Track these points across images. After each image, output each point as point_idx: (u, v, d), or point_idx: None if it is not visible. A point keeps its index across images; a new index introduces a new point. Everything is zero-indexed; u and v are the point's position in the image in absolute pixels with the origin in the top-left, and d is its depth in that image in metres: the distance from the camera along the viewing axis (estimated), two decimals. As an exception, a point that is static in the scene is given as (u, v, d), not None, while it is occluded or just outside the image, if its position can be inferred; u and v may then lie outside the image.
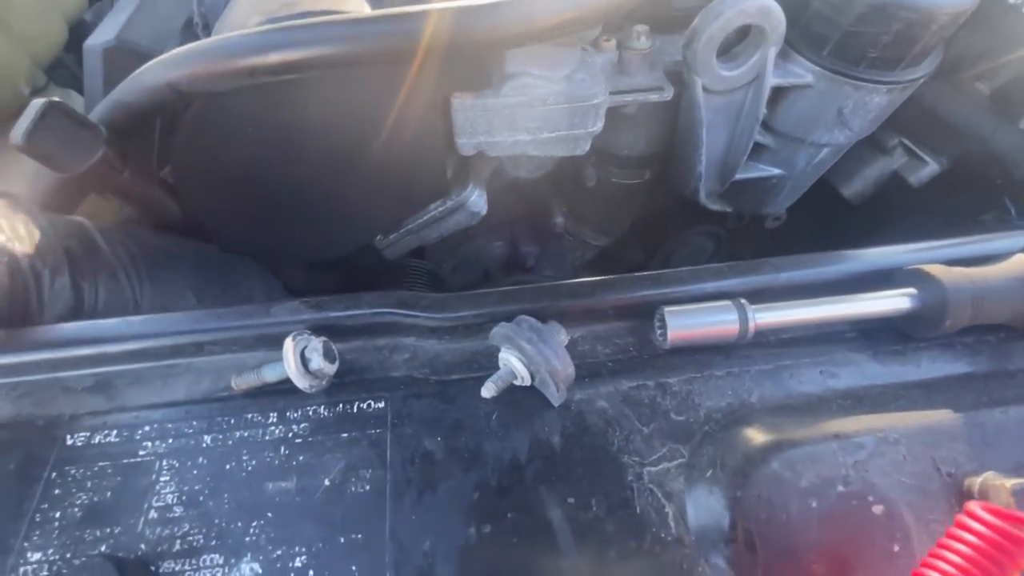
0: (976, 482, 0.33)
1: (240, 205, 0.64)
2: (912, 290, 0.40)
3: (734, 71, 0.64)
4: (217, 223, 0.65)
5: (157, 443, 0.36)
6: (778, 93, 0.69)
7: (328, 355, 0.38)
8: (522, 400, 0.38)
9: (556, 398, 0.37)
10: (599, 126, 0.65)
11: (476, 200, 0.72)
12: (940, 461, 0.34)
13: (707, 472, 0.35)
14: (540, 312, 0.41)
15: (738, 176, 0.79)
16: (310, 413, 0.37)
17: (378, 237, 0.75)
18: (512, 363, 0.37)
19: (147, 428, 0.36)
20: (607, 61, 0.65)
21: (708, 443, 0.36)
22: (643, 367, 0.40)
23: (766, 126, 0.74)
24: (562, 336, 0.39)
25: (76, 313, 0.47)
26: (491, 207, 0.95)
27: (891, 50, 0.60)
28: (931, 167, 0.81)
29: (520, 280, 1.10)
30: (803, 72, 0.65)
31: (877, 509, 0.32)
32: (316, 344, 0.37)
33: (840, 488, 0.33)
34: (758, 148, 0.76)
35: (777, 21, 0.60)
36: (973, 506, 0.29)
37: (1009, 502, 0.31)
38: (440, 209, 0.71)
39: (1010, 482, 0.31)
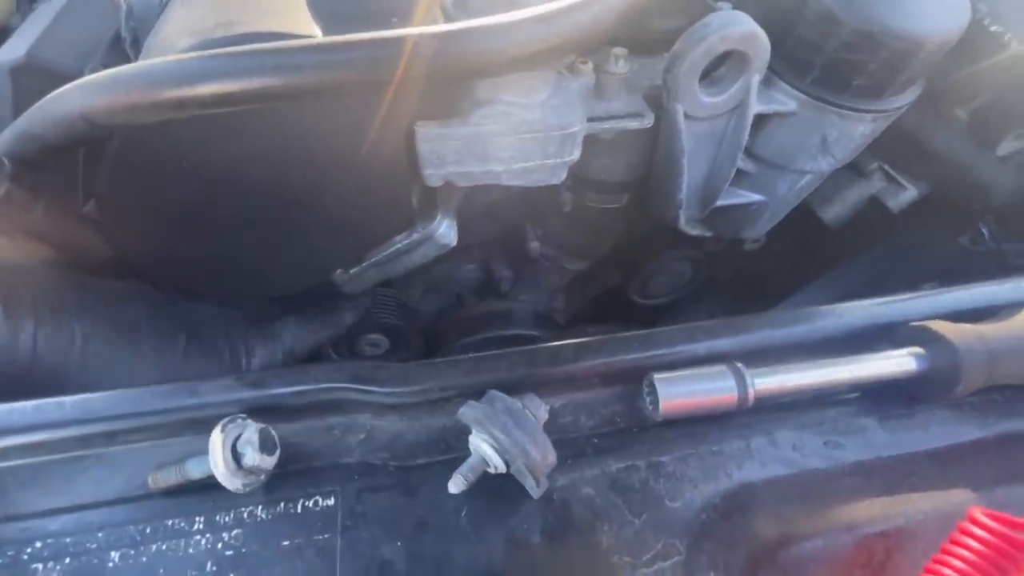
0: None
1: (178, 243, 0.57)
2: (920, 350, 0.37)
3: (716, 98, 0.61)
4: (151, 263, 0.58)
5: (51, 565, 0.29)
6: (761, 120, 0.66)
7: (265, 446, 0.32)
8: (497, 489, 0.33)
9: (535, 491, 0.32)
10: (576, 154, 0.61)
11: (445, 232, 0.66)
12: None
13: (706, 573, 0.30)
14: (517, 383, 0.36)
15: (720, 202, 0.76)
16: (244, 516, 0.32)
17: (338, 272, 0.69)
18: (484, 451, 0.32)
19: (39, 544, 0.30)
20: (584, 85, 0.60)
21: (707, 537, 0.32)
22: (632, 443, 0.36)
23: (748, 152, 0.71)
24: (541, 412, 0.34)
25: (8, 356, 0.40)
26: (463, 230, 0.90)
27: (877, 78, 0.58)
28: (910, 192, 0.79)
29: (493, 305, 1.05)
30: (787, 99, 0.62)
31: (900, 617, 0.29)
32: (251, 434, 0.31)
33: (859, 593, 0.29)
34: (739, 174, 0.73)
35: (761, 47, 0.56)
36: (976, 512, 0.28)
37: (1045, 608, 0.28)
38: (405, 242, 0.65)
39: (1044, 584, 0.28)
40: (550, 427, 0.36)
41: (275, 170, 0.51)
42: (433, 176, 0.58)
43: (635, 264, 0.98)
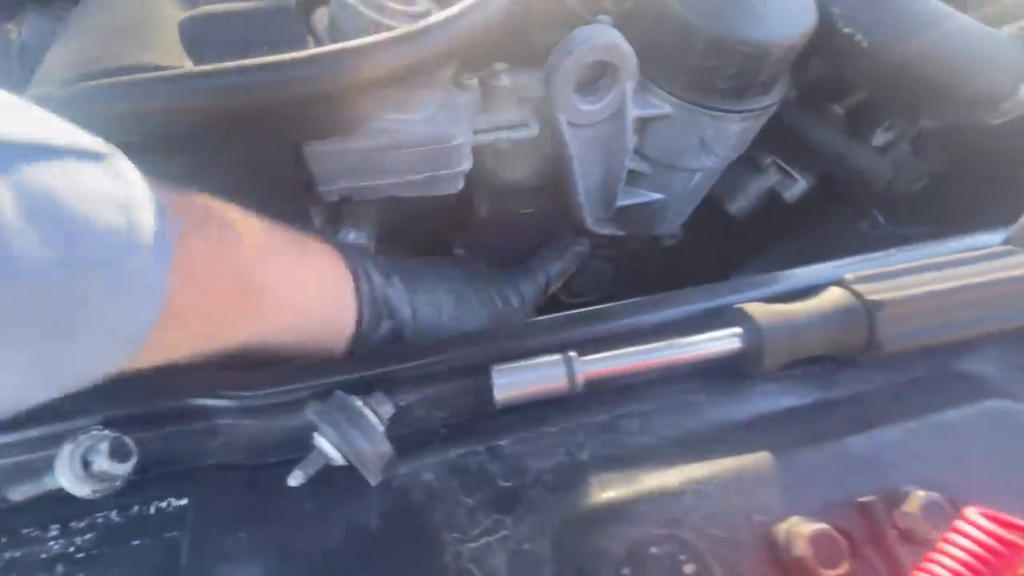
0: (782, 529, 0.33)
1: None
2: (738, 330, 0.41)
3: (594, 106, 0.65)
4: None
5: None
6: (644, 123, 0.71)
7: (118, 454, 0.34)
8: (343, 480, 0.36)
9: (372, 477, 0.35)
10: (466, 165, 0.64)
11: (353, 244, 0.69)
12: (752, 508, 0.34)
13: (525, 544, 0.33)
14: (366, 381, 0.39)
15: (621, 202, 0.80)
16: (98, 521, 0.34)
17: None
18: (322, 446, 0.35)
19: None
20: (471, 100, 0.64)
21: (532, 511, 0.35)
22: (476, 431, 0.39)
23: (639, 154, 0.75)
24: (385, 408, 0.38)
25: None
26: (392, 243, 0.93)
27: (737, 81, 0.62)
28: (801, 184, 0.85)
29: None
30: (661, 104, 0.67)
31: (688, 569, 0.32)
32: (101, 443, 0.34)
33: (653, 550, 0.32)
34: (635, 175, 0.78)
35: (626, 56, 0.61)
36: (970, 512, 0.29)
37: (806, 549, 0.31)
38: (313, 256, 0.68)
39: (808, 529, 0.32)
40: (402, 421, 0.40)
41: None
42: (328, 192, 0.61)
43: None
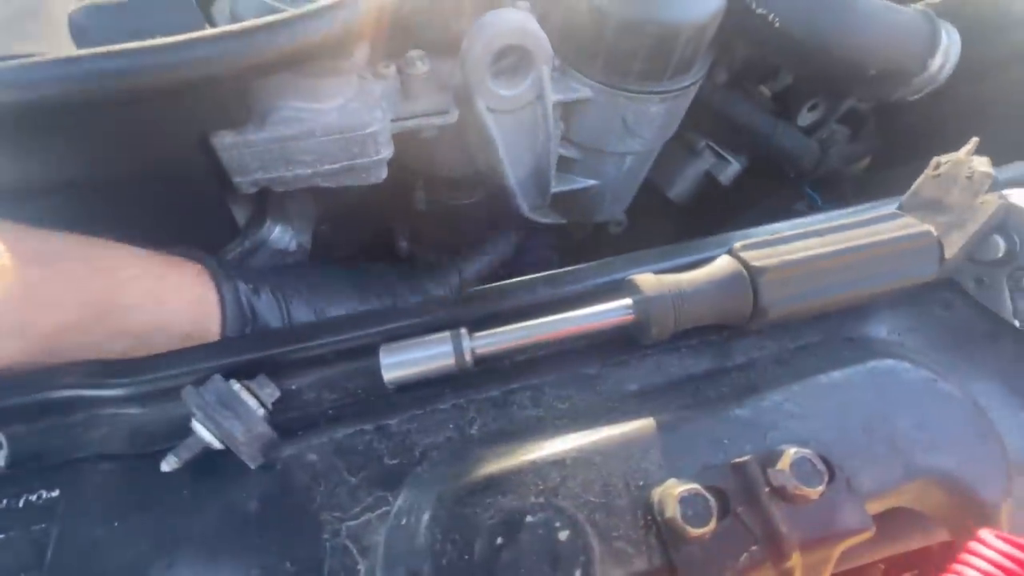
0: (657, 492, 0.33)
1: None
2: (628, 300, 0.41)
3: (513, 91, 0.65)
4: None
5: None
6: (569, 108, 0.71)
7: (-18, 447, 0.33)
8: (222, 466, 0.35)
9: (250, 460, 0.34)
10: (385, 153, 0.64)
11: (278, 237, 0.68)
12: (631, 475, 0.34)
13: (403, 520, 0.33)
14: (252, 364, 0.39)
15: (556, 189, 0.80)
16: (-37, 517, 0.33)
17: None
18: (198, 430, 0.34)
19: None
20: (388, 87, 0.64)
21: (415, 486, 0.35)
22: (366, 411, 0.39)
23: (568, 140, 0.76)
24: (267, 391, 0.37)
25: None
26: (336, 236, 0.92)
27: (652, 62, 0.63)
28: (734, 166, 0.86)
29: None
30: (581, 87, 0.67)
31: (563, 535, 0.32)
32: (-36, 438, 0.33)
33: (528, 519, 0.32)
34: (567, 161, 0.78)
35: (537, 40, 0.61)
36: (985, 533, 0.29)
37: (675, 510, 0.32)
38: (238, 250, 0.67)
39: (678, 489, 0.32)
40: (290, 404, 0.39)
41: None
42: (244, 183, 0.60)
43: (504, 261, 1.02)
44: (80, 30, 0.49)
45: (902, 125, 0.91)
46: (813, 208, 0.98)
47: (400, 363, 0.38)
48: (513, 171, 0.75)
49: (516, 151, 0.74)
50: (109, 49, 0.42)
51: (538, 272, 1.05)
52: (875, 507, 0.37)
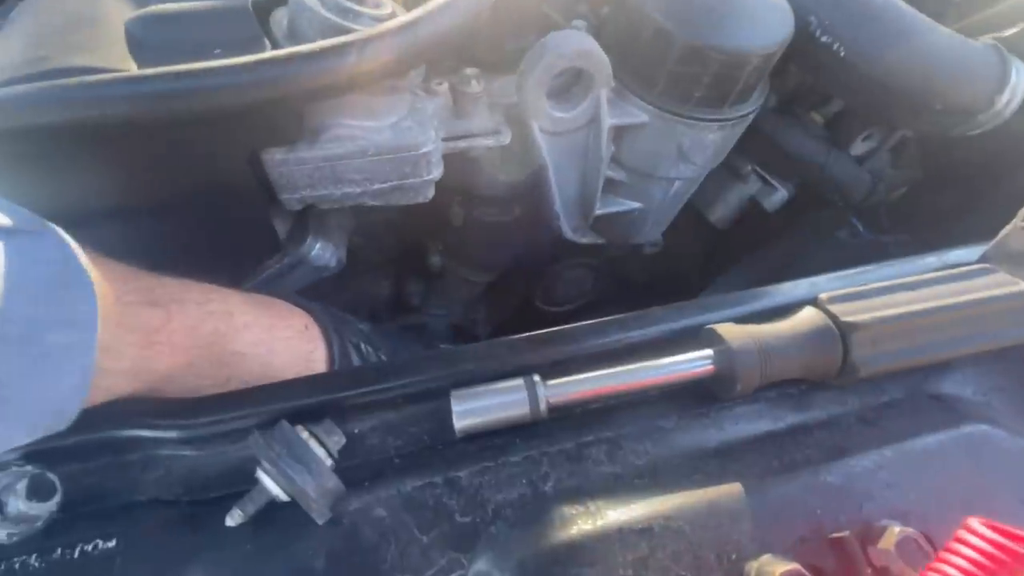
0: (753, 568, 0.31)
1: None
2: (709, 352, 0.39)
3: (568, 113, 0.63)
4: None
5: None
6: (621, 131, 0.69)
7: (39, 492, 0.31)
8: (288, 518, 0.34)
9: (318, 516, 0.33)
10: (436, 173, 0.62)
11: (318, 254, 0.66)
12: (723, 546, 0.32)
13: (482, 587, 0.31)
14: (316, 408, 0.37)
15: (599, 211, 0.78)
16: (16, 567, 0.31)
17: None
18: (265, 482, 0.32)
19: None
20: (440, 106, 0.62)
21: (491, 549, 0.33)
22: (433, 460, 0.37)
23: (617, 162, 0.74)
24: (334, 438, 0.35)
25: None
26: (368, 248, 0.90)
27: (714, 89, 0.61)
28: (781, 193, 0.84)
29: (407, 320, 1.06)
30: (638, 112, 0.65)
31: (653, 613, 0.30)
32: (18, 481, 0.31)
33: (616, 593, 0.31)
34: (614, 183, 0.76)
35: (599, 63, 0.59)
36: (972, 521, 0.28)
37: (778, 593, 0.30)
38: (277, 266, 0.66)
39: (779, 569, 0.30)
40: (354, 451, 0.37)
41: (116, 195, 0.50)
42: (290, 200, 0.58)
43: (538, 274, 1.00)
44: (137, 41, 0.47)
45: (943, 154, 0.89)
46: (855, 236, 0.96)
47: (473, 411, 0.36)
48: (560, 193, 0.73)
49: (565, 173, 0.72)
50: (177, 70, 0.40)
51: (573, 290, 1.03)
52: (974, 587, 0.35)
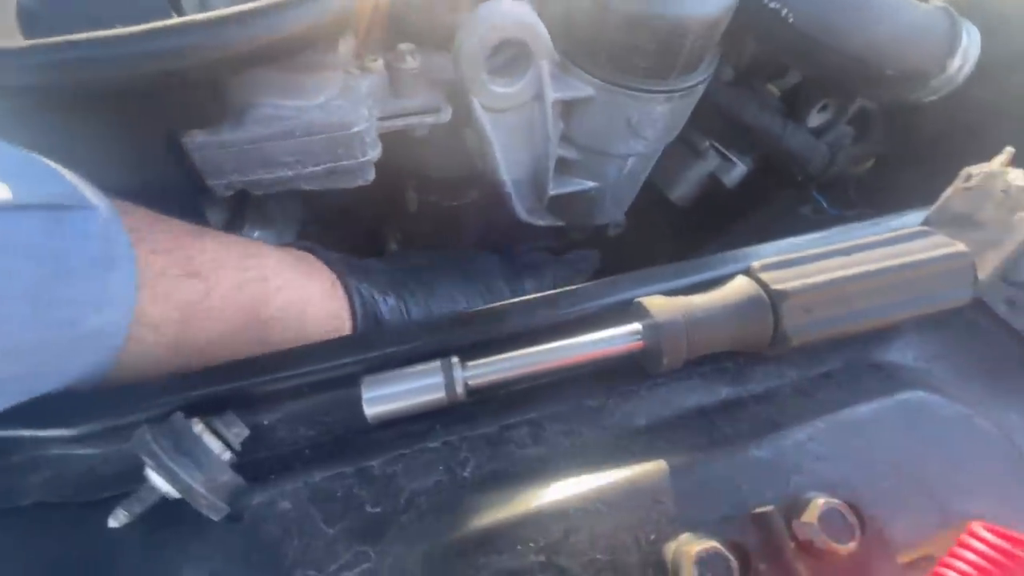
0: (671, 549, 0.30)
1: None
2: (637, 326, 0.38)
3: (510, 88, 0.61)
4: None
5: None
6: (569, 106, 0.67)
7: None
8: (181, 517, 0.31)
9: (212, 512, 0.31)
10: (372, 154, 0.59)
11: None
12: (641, 527, 0.31)
13: (386, 580, 0.30)
14: (219, 398, 0.34)
15: (554, 191, 0.76)
16: None
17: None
18: (152, 479, 0.30)
19: None
20: (375, 84, 0.59)
21: (399, 540, 0.31)
22: (346, 449, 0.35)
23: (568, 140, 0.71)
24: (235, 430, 0.33)
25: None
26: (324, 238, 0.88)
27: (658, 59, 0.59)
28: (739, 168, 0.82)
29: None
30: (583, 85, 0.63)
31: (564, 601, 0.29)
32: None
33: (525, 581, 0.29)
34: (567, 162, 0.74)
35: (537, 35, 0.57)
36: (976, 526, 0.29)
37: (691, 573, 0.28)
38: (214, 257, 0.63)
39: (695, 549, 0.29)
40: (261, 443, 0.35)
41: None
42: (218, 187, 0.56)
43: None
44: (30, 16, 0.44)
45: (909, 126, 0.88)
46: (819, 212, 0.95)
47: (385, 397, 0.34)
48: (509, 173, 0.71)
49: (513, 152, 0.69)
50: (59, 40, 0.37)
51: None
52: (905, 558, 0.34)
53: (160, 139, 0.49)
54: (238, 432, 0.33)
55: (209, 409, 0.34)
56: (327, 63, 0.55)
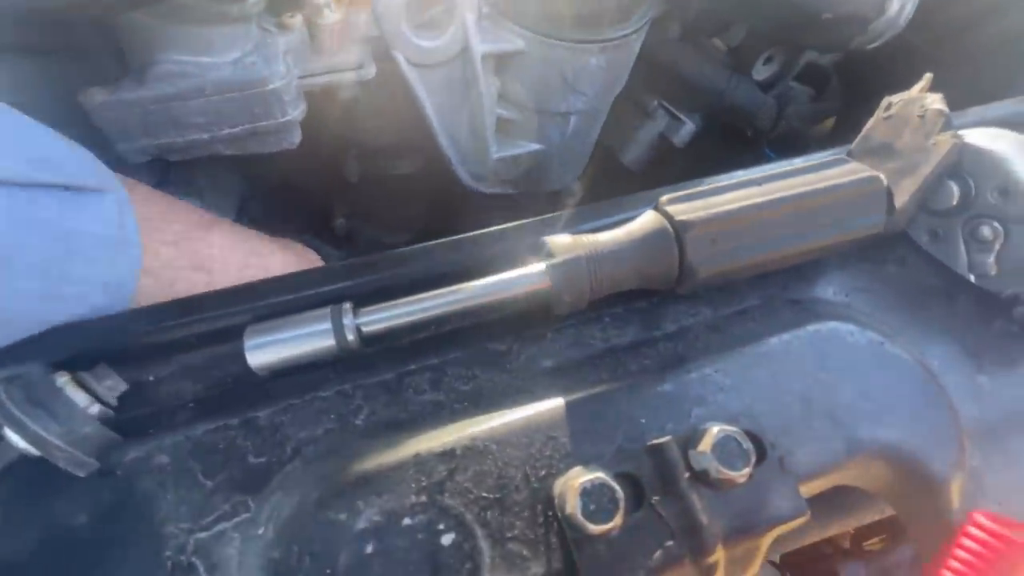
0: (559, 484, 0.29)
1: None
2: (541, 266, 0.36)
3: (434, 42, 0.59)
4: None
5: None
6: (501, 61, 0.65)
7: None
8: (49, 473, 0.30)
9: (76, 468, 0.29)
10: (293, 113, 0.57)
11: (183, 213, 0.62)
12: (532, 464, 0.29)
13: (260, 529, 0.28)
14: (95, 352, 0.33)
15: (497, 154, 0.74)
16: None
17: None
18: (8, 435, 0.29)
19: None
20: (295, 40, 0.57)
21: (282, 488, 0.30)
22: (232, 402, 0.33)
23: (505, 98, 0.69)
24: (107, 383, 0.31)
25: None
26: (267, 212, 0.85)
27: (586, 8, 0.57)
28: (688, 126, 0.81)
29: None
30: (513, 37, 0.61)
31: (446, 539, 0.27)
32: None
33: (406, 521, 0.28)
34: (506, 123, 0.72)
35: (457, -18, 0.55)
36: (977, 515, 0.29)
37: (575, 504, 0.27)
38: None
39: (579, 480, 0.27)
40: (146, 398, 0.34)
41: None
42: (129, 151, 0.53)
43: (457, 230, 0.95)
44: None
45: (867, 84, 0.86)
46: (775, 171, 0.93)
47: (269, 344, 0.33)
48: (446, 134, 0.69)
49: (446, 111, 0.67)
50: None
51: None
52: (813, 487, 0.33)
53: (58, 99, 0.47)
54: (112, 385, 0.31)
55: (84, 364, 0.32)
56: (234, 14, 0.53)
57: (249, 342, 0.32)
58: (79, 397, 0.29)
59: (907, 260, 0.42)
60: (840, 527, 0.44)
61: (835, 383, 0.34)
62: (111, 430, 0.30)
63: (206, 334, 0.34)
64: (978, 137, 0.39)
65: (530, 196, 0.92)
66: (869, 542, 0.62)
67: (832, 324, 0.36)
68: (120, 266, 0.36)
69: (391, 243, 0.96)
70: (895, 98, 0.43)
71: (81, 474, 0.29)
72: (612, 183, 0.99)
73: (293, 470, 0.31)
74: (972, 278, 0.40)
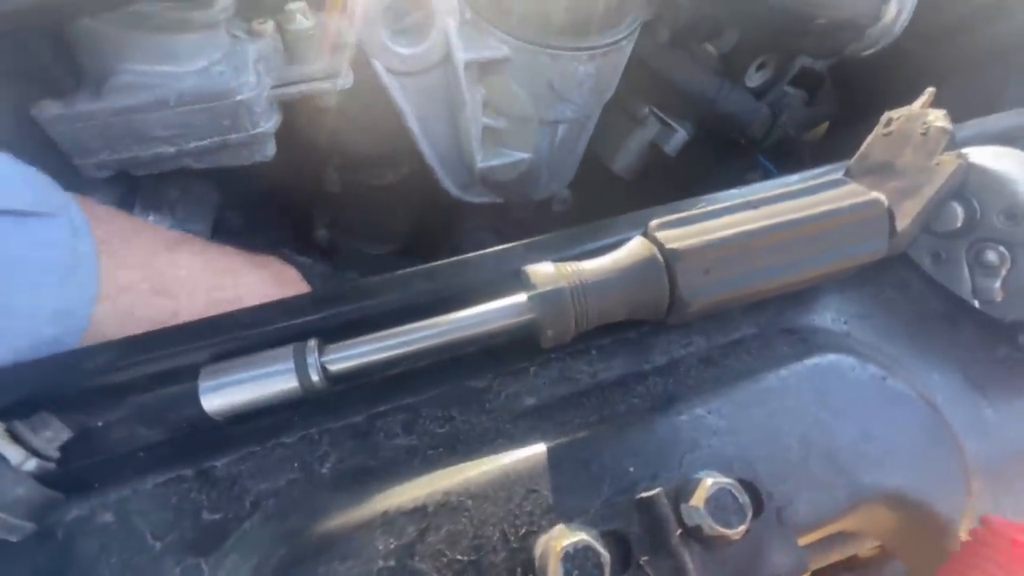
0: (540, 544, 0.26)
1: None
2: (523, 297, 0.34)
3: (414, 49, 0.56)
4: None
5: None
6: (487, 71, 0.62)
7: None
8: (-18, 536, 0.27)
9: (8, 532, 0.26)
10: (266, 125, 0.54)
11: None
12: (511, 521, 0.27)
13: (215, 597, 0.26)
14: (37, 398, 0.30)
15: (483, 164, 0.72)
16: None
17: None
18: (-71, 495, 0.26)
19: None
20: (266, 48, 0.54)
21: (237, 550, 0.27)
22: (188, 450, 0.31)
23: (491, 107, 0.67)
24: (47, 433, 0.29)
25: None
26: (247, 224, 0.82)
27: (573, 13, 0.54)
28: (679, 134, 0.78)
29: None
30: (497, 44, 0.58)
31: (416, 608, 0.25)
32: None
33: (371, 590, 0.25)
34: (493, 132, 0.69)
35: (437, -13, 0.52)
36: (989, 518, 0.29)
37: (557, 570, 0.25)
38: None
39: (563, 543, 0.25)
40: (93, 446, 0.31)
41: None
42: (88, 167, 0.50)
43: (441, 241, 0.93)
44: None
45: (862, 88, 0.85)
46: (768, 177, 0.92)
47: (226, 387, 0.30)
48: (430, 144, 0.66)
49: (429, 120, 0.64)
50: None
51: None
52: (811, 538, 0.31)
53: (10, 113, 0.44)
54: (52, 436, 0.28)
55: (24, 411, 0.29)
56: (199, 21, 0.50)
57: (204, 384, 0.30)
58: (12, 453, 0.27)
59: (909, 284, 0.40)
60: (835, 557, 0.42)
61: (836, 423, 0.31)
62: (50, 487, 0.27)
63: (159, 374, 0.32)
64: (983, 157, 0.37)
65: (519, 205, 0.90)
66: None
67: (832, 357, 0.34)
68: (70, 292, 0.33)
69: (375, 254, 0.94)
70: (895, 113, 0.41)
71: (14, 539, 0.26)
72: (603, 190, 0.97)
73: (251, 528, 0.28)
74: (976, 303, 0.38)
